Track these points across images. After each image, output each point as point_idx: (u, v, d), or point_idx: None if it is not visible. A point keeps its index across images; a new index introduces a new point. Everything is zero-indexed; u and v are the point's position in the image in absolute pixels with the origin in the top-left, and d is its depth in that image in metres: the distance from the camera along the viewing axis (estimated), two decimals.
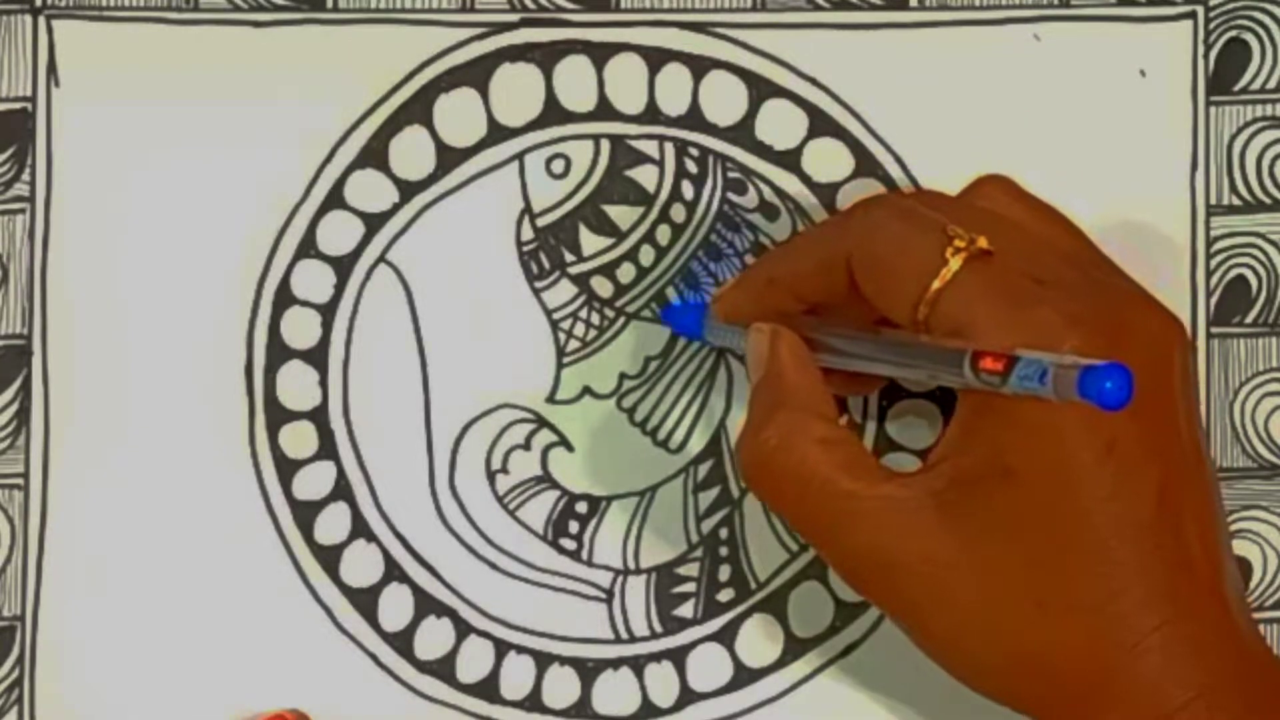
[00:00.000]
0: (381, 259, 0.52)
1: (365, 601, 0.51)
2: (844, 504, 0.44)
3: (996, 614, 0.43)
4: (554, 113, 0.52)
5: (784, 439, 0.45)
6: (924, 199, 0.47)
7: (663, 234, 0.52)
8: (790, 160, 0.52)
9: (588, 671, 0.51)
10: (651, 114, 0.52)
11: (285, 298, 0.52)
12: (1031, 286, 0.43)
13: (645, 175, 0.52)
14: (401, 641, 0.51)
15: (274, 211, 0.52)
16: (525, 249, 0.52)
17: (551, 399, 0.52)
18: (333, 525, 0.52)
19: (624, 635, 0.51)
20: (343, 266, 0.52)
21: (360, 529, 0.52)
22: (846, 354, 0.46)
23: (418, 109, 0.52)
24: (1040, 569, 0.42)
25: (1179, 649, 0.42)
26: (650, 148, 0.52)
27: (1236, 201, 0.52)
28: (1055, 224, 0.48)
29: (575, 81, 0.52)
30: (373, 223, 0.52)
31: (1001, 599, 0.42)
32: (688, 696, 0.51)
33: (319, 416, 0.52)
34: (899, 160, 0.52)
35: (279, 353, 0.52)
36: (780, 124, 0.52)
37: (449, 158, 0.52)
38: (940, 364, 0.42)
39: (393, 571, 0.52)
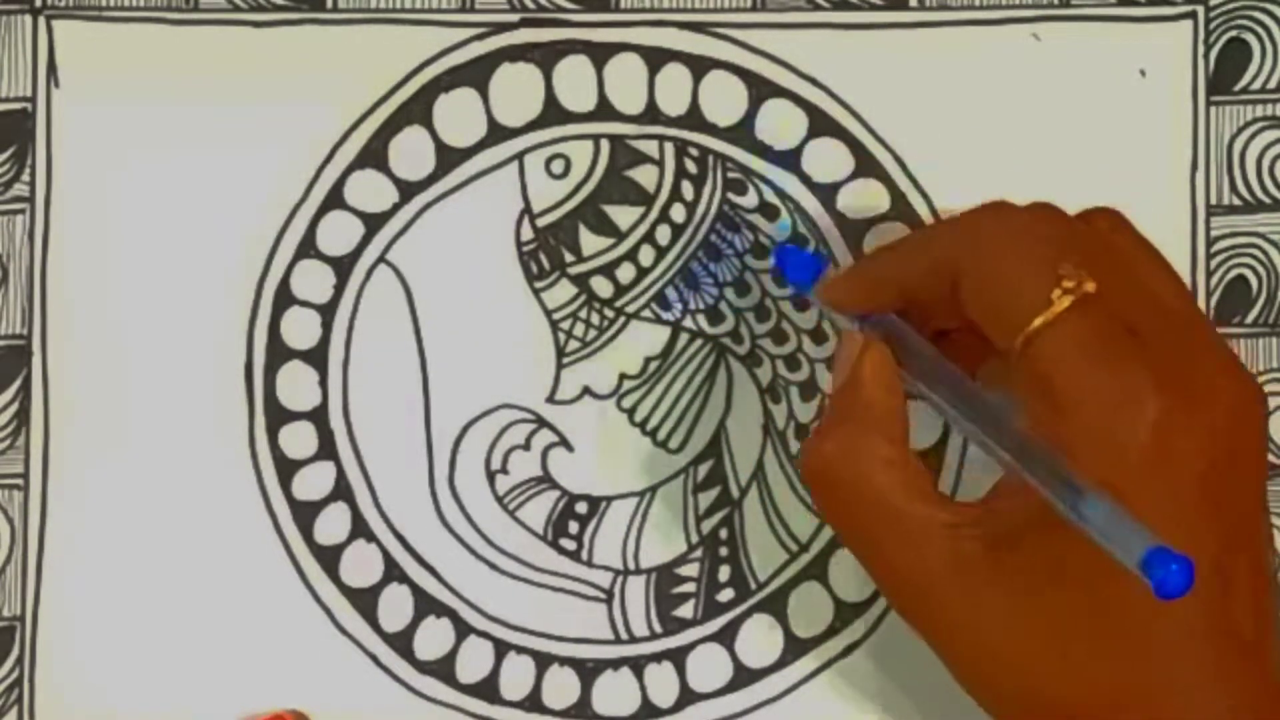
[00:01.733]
0: (381, 259, 0.52)
1: (365, 602, 0.51)
2: (893, 521, 0.44)
3: (1023, 656, 0.43)
4: (554, 113, 0.52)
5: (849, 449, 0.45)
6: (1040, 216, 0.46)
7: (662, 234, 0.52)
8: (790, 160, 0.52)
9: (587, 672, 0.51)
10: (651, 114, 0.52)
11: (285, 298, 0.52)
12: (1126, 338, 0.43)
13: (645, 175, 0.52)
14: (401, 642, 0.51)
15: (274, 211, 0.52)
16: (525, 249, 0.52)
17: (551, 399, 0.52)
18: (332, 525, 0.52)
19: (624, 635, 0.51)
20: (343, 267, 0.52)
21: (360, 529, 0.52)
22: (928, 385, 0.46)
23: (417, 109, 0.52)
24: (1079, 618, 0.42)
25: (1218, 708, 0.42)
26: (650, 148, 0.52)
27: (1237, 201, 0.52)
28: (1158, 268, 0.47)
29: (575, 81, 0.52)
30: (372, 223, 0.52)
31: (1031, 642, 0.43)
32: (687, 697, 0.51)
33: (319, 417, 0.52)
34: (899, 160, 0.52)
35: (279, 353, 0.52)
36: (780, 124, 0.52)
37: (449, 158, 0.52)
38: (1015, 456, 0.42)
39: (392, 572, 0.52)
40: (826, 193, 0.52)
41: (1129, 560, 0.38)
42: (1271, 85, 0.52)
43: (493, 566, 0.52)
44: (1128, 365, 0.42)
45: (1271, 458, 0.52)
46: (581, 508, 0.52)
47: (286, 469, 0.52)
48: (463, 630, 0.51)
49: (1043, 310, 0.43)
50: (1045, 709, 0.43)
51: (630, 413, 0.52)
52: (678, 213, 0.52)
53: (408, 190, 0.52)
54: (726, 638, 0.51)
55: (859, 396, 0.46)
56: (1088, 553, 0.41)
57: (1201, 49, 0.52)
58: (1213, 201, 0.52)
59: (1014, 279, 0.44)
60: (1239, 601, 0.42)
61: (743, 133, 0.52)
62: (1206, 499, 0.42)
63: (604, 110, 0.52)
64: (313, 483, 0.52)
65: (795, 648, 0.51)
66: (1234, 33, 0.52)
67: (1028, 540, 0.43)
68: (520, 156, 0.52)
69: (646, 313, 0.52)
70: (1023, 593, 0.43)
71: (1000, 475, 0.45)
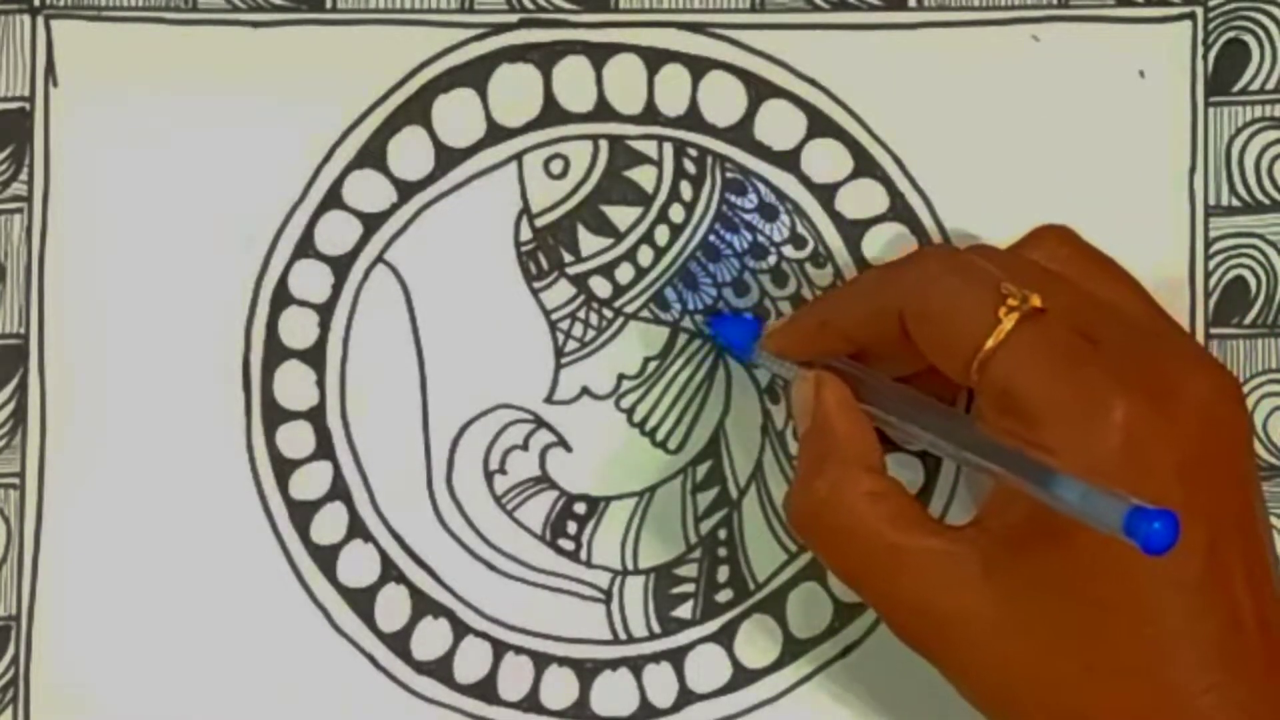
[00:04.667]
0: (379, 259, 0.52)
1: (362, 602, 0.51)
2: (890, 557, 0.44)
3: (1043, 674, 0.42)
4: (553, 113, 0.52)
5: (832, 492, 0.45)
6: (978, 252, 0.47)
7: (661, 234, 0.52)
8: (789, 161, 0.52)
9: (586, 672, 0.51)
10: (650, 114, 0.52)
11: (283, 297, 0.52)
12: (1083, 346, 0.43)
13: (644, 176, 0.52)
14: (399, 642, 0.51)
15: (272, 211, 0.52)
16: (523, 249, 0.52)
17: (550, 399, 0.52)
18: (330, 525, 0.51)
19: (622, 636, 0.51)
20: (341, 266, 0.52)
21: (357, 529, 0.51)
22: (893, 414, 0.46)
23: (416, 109, 0.52)
24: (1088, 631, 0.42)
25: (1229, 712, 0.41)
26: (649, 148, 0.52)
27: (1235, 202, 0.52)
28: (1110, 278, 0.48)
29: (574, 82, 0.52)
30: (371, 223, 0.52)
31: (1048, 660, 0.42)
32: (686, 697, 0.51)
33: (316, 416, 0.52)
34: (897, 161, 0.52)
35: (276, 352, 0.52)
36: (779, 124, 0.52)
37: (447, 158, 0.52)
38: (988, 458, 0.42)
39: (390, 572, 0.51)
40: (825, 193, 0.52)
41: (1113, 527, 0.38)
42: (1270, 86, 0.52)
43: (491, 567, 0.51)
44: (1087, 371, 0.42)
45: (1271, 459, 0.52)
46: (580, 508, 0.52)
47: (284, 468, 0.51)
48: (461, 630, 0.51)
49: (991, 331, 0.43)
50: None
51: (629, 413, 0.52)
52: (676, 213, 0.52)
53: (406, 190, 0.52)
54: (725, 638, 0.51)
55: (829, 434, 0.46)
56: (1083, 558, 0.42)
57: (1200, 50, 0.52)
58: (1211, 202, 0.52)
59: (958, 305, 0.44)
60: (1239, 587, 0.42)
61: (742, 133, 0.52)
62: (1187, 493, 0.42)
63: (603, 111, 0.52)
64: (310, 482, 0.51)
65: (794, 648, 0.51)
66: (1233, 33, 0.52)
67: (1023, 554, 0.43)
68: (519, 157, 0.52)
69: (645, 313, 0.52)
70: (1031, 605, 0.43)
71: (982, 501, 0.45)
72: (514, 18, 0.52)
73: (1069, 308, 0.44)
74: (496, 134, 0.52)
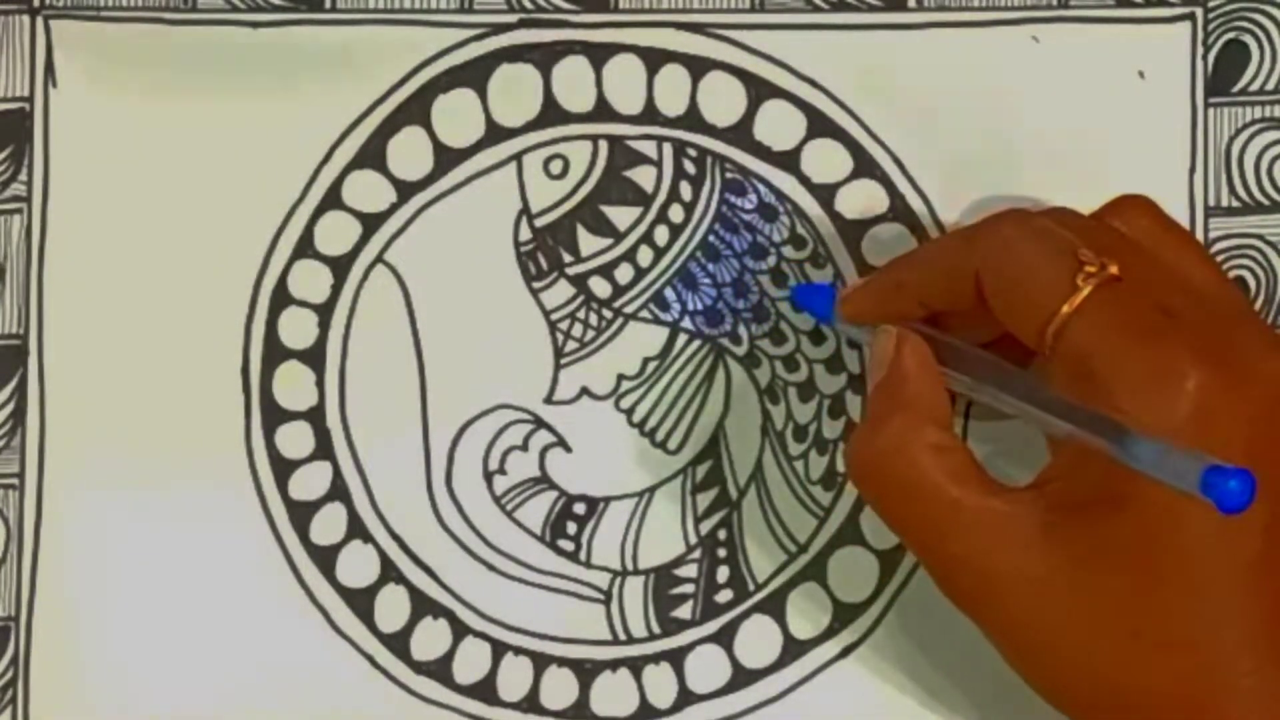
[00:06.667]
0: (379, 259, 0.52)
1: (362, 602, 0.51)
2: (947, 512, 0.44)
3: (1089, 640, 0.42)
4: (552, 113, 0.52)
5: (896, 442, 0.45)
6: (1056, 217, 0.46)
7: (661, 235, 0.52)
8: (789, 161, 0.52)
9: (586, 673, 0.51)
10: (650, 115, 0.52)
11: (282, 297, 0.52)
12: (1159, 318, 0.43)
13: (643, 176, 0.52)
14: (398, 642, 0.51)
15: (271, 211, 0.52)
16: (523, 249, 0.52)
17: (549, 400, 0.52)
18: (329, 526, 0.51)
19: (622, 636, 0.51)
20: (340, 266, 0.52)
21: (357, 529, 0.51)
22: (969, 375, 0.46)
23: (416, 109, 0.52)
24: (1139, 599, 0.42)
25: (1271, 698, 0.41)
26: (648, 148, 0.52)
27: (1235, 203, 0.52)
28: (1188, 252, 0.47)
29: (573, 82, 0.52)
30: (370, 223, 0.52)
31: (1096, 625, 0.42)
32: (686, 698, 0.51)
33: (315, 416, 0.52)
34: (897, 161, 0.52)
35: (276, 352, 0.52)
36: (779, 125, 0.52)
37: (447, 158, 0.52)
38: (1066, 418, 0.42)
39: (389, 572, 0.51)
40: (825, 194, 0.52)
41: (1189, 485, 0.38)
42: (1270, 87, 0.52)
43: (490, 567, 0.51)
44: (1162, 341, 0.42)
45: None
46: (580, 508, 0.52)
47: (283, 469, 0.51)
48: (460, 631, 0.51)
49: (1068, 297, 0.43)
50: (1118, 699, 0.42)
51: (629, 413, 0.52)
52: (676, 213, 0.52)
53: (406, 190, 0.52)
54: (725, 638, 0.51)
55: (904, 387, 0.46)
56: (1143, 526, 0.41)
57: (1200, 50, 0.52)
58: (1211, 203, 0.52)
59: (1035, 271, 0.44)
60: None
61: (741, 133, 0.52)
62: (1252, 469, 0.41)
63: (602, 111, 0.52)
64: (309, 483, 0.51)
65: (794, 649, 0.51)
66: (1232, 34, 0.52)
67: (1083, 519, 0.42)
68: (518, 157, 0.52)
69: (645, 313, 0.52)
70: (1086, 570, 0.42)
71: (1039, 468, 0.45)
72: (514, 18, 0.52)
73: (1145, 279, 0.44)
74: (496, 134, 0.52)
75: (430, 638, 0.51)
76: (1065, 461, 0.44)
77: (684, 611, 0.51)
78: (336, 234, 0.52)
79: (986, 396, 0.46)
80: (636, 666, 0.51)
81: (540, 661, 0.51)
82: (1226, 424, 0.41)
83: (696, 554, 0.51)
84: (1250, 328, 0.45)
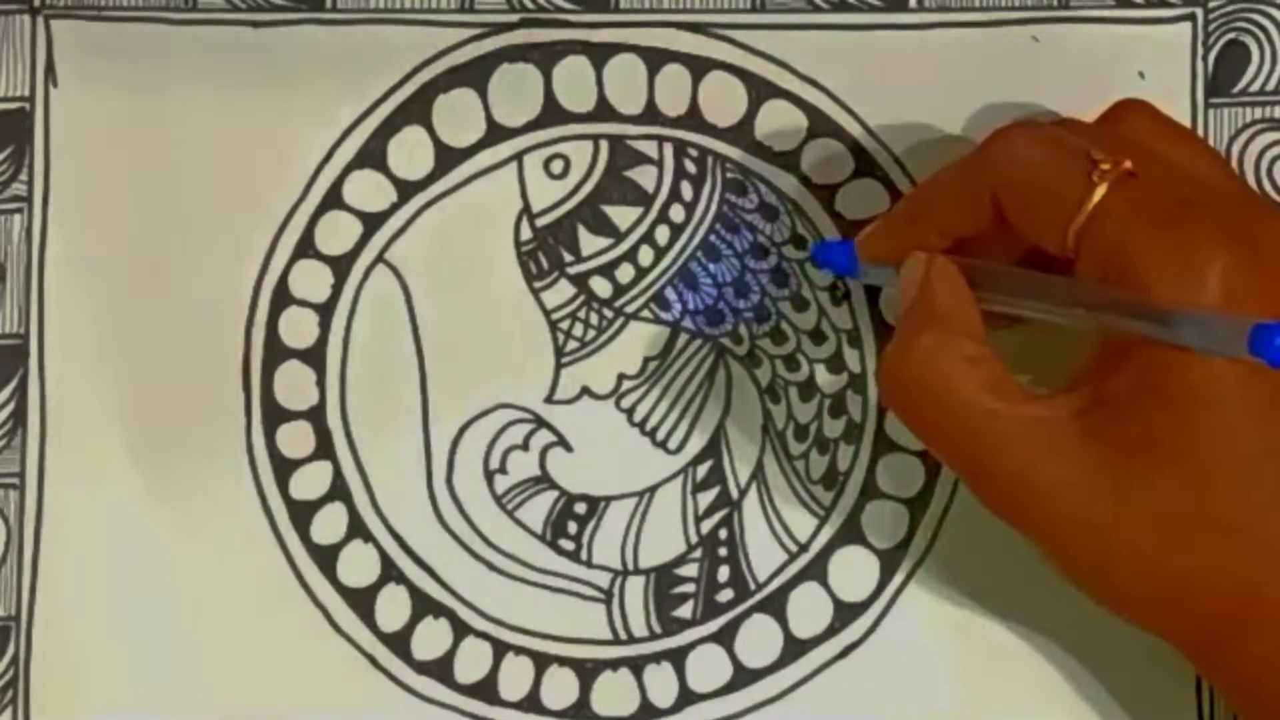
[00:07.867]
0: (379, 259, 0.52)
1: (362, 602, 0.51)
2: (985, 424, 0.44)
3: (1140, 537, 0.42)
4: (553, 113, 0.52)
5: (929, 355, 0.44)
6: (1064, 124, 0.46)
7: (661, 234, 0.52)
8: (789, 161, 0.52)
9: (586, 672, 0.51)
10: (650, 114, 0.52)
11: (283, 297, 0.52)
12: (1179, 206, 0.43)
13: (644, 176, 0.52)
14: (399, 642, 0.51)
15: (272, 211, 0.52)
16: (524, 249, 0.52)
17: (550, 399, 0.52)
18: (329, 525, 0.51)
19: (623, 636, 0.51)
20: (341, 266, 0.52)
21: (357, 529, 0.51)
22: (1001, 292, 0.45)
23: (416, 109, 0.52)
24: (1186, 489, 0.42)
25: None
26: (649, 148, 0.52)
27: None
28: (1193, 149, 0.47)
29: (574, 82, 0.52)
30: (371, 222, 0.52)
31: (1145, 521, 0.42)
32: (687, 697, 0.51)
33: (316, 416, 0.52)
34: (898, 161, 0.52)
35: (276, 352, 0.52)
36: (779, 124, 0.52)
37: (448, 158, 0.52)
38: (1106, 310, 0.42)
39: (390, 572, 0.51)
40: (825, 193, 0.52)
41: (1238, 349, 0.38)
42: (1270, 87, 0.52)
43: (491, 567, 0.51)
44: (1186, 227, 0.42)
45: None
46: (580, 508, 0.52)
47: (284, 468, 0.51)
48: (461, 630, 0.51)
49: (1086, 198, 0.43)
50: (1173, 592, 0.42)
51: (629, 413, 0.52)
52: (677, 213, 0.52)
53: (406, 190, 0.52)
54: (726, 638, 0.51)
55: (934, 305, 0.45)
56: (1187, 417, 0.41)
57: (1200, 51, 0.52)
58: None
59: (1050, 175, 0.44)
60: None
61: (742, 133, 0.52)
62: None
63: (603, 110, 0.52)
64: (310, 482, 0.51)
65: (794, 648, 0.51)
66: (1233, 35, 0.52)
67: (1124, 417, 0.42)
68: (519, 156, 0.52)
69: (645, 313, 0.52)
70: (1130, 466, 0.42)
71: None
72: (514, 18, 0.52)
73: (1159, 173, 0.44)
74: (496, 134, 0.52)
75: (431, 637, 0.51)
76: (1102, 362, 0.44)
77: (685, 611, 0.51)
78: (337, 234, 0.52)
79: (1024, 309, 0.45)
80: (637, 666, 0.51)
81: (541, 661, 0.51)
82: (1256, 301, 0.41)
83: (697, 553, 0.51)
84: (1264, 210, 0.45)
